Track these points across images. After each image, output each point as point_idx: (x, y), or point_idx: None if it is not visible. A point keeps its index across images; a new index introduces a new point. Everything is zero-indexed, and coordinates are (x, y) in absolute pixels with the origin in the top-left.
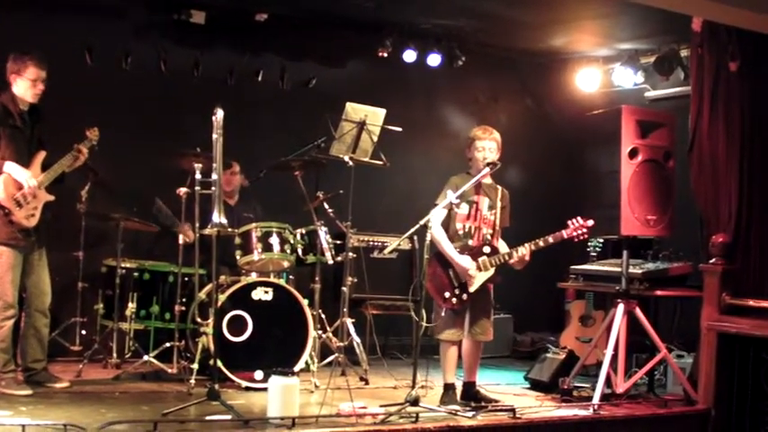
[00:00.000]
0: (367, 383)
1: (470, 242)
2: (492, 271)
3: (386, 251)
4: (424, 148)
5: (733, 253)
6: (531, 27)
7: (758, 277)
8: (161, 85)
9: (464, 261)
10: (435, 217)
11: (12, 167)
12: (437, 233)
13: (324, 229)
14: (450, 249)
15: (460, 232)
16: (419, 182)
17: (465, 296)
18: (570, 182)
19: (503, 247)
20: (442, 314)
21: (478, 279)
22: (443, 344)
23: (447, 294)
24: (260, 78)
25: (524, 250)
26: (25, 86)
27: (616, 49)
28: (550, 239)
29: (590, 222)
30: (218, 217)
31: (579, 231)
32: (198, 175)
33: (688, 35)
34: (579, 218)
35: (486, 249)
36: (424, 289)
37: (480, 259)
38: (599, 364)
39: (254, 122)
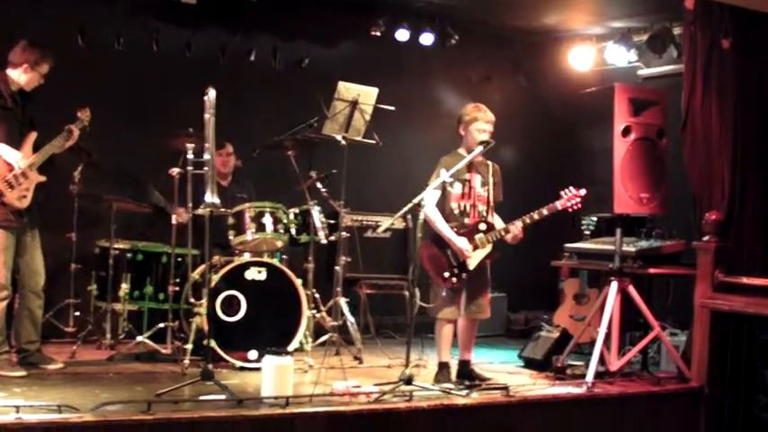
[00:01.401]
0: (361, 362)
1: (466, 220)
2: (489, 247)
3: (379, 230)
4: (417, 127)
5: (726, 230)
6: (523, 5)
7: (751, 254)
8: (153, 66)
9: (461, 242)
10: (430, 198)
11: (2, 149)
12: (433, 214)
13: (317, 208)
14: (446, 230)
15: (456, 211)
16: (412, 161)
17: (464, 275)
18: (563, 160)
19: (498, 222)
20: (442, 294)
21: (477, 256)
22: (439, 322)
23: (447, 274)
24: (252, 58)
25: (520, 224)
26: (32, 78)
27: (609, 27)
28: (545, 211)
29: (582, 191)
30: (210, 197)
31: (573, 201)
32: (190, 155)
33: (681, 13)
34: (572, 187)
35: (482, 226)
36: (417, 268)
37: (477, 236)
38: (593, 342)
39: (246, 102)
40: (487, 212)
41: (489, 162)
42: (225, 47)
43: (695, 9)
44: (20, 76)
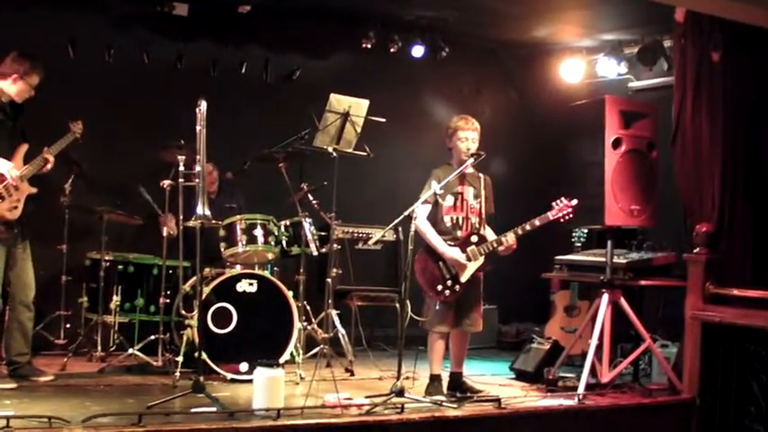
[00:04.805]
0: (352, 375)
1: (459, 233)
2: (482, 259)
3: (370, 242)
4: (408, 139)
5: (716, 242)
6: (514, 18)
7: (741, 266)
8: (144, 78)
9: (453, 252)
10: (421, 212)
11: None
12: (424, 227)
13: (308, 220)
14: (438, 242)
15: (449, 224)
16: (403, 173)
17: (457, 287)
18: (554, 173)
19: (490, 234)
20: (436, 307)
21: (469, 268)
22: (433, 335)
23: (440, 288)
24: (243, 70)
25: (513, 235)
26: (22, 89)
27: (599, 39)
28: (537, 222)
29: (574, 202)
30: (202, 209)
31: (565, 212)
32: (181, 167)
33: (671, 25)
34: (563, 198)
35: (474, 239)
36: (408, 280)
37: (469, 249)
38: (584, 354)
39: (237, 114)
40: (480, 225)
41: (481, 174)
42: (216, 59)
43: (685, 22)
44: (9, 86)
